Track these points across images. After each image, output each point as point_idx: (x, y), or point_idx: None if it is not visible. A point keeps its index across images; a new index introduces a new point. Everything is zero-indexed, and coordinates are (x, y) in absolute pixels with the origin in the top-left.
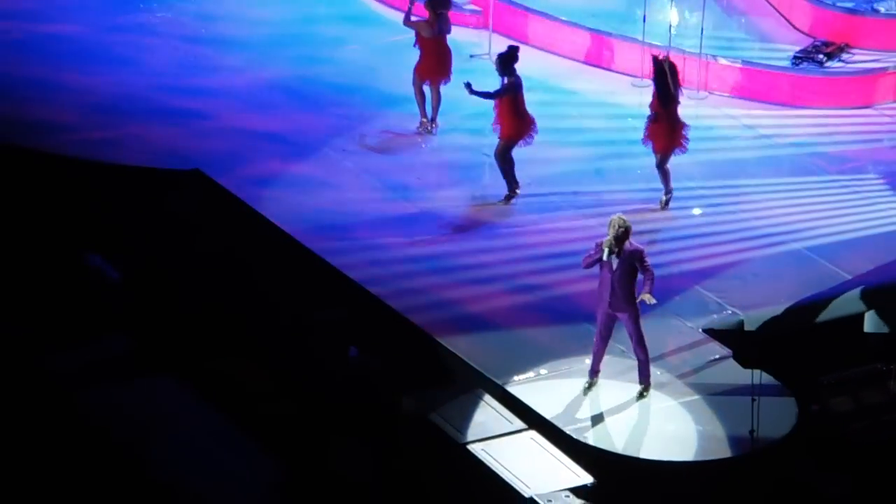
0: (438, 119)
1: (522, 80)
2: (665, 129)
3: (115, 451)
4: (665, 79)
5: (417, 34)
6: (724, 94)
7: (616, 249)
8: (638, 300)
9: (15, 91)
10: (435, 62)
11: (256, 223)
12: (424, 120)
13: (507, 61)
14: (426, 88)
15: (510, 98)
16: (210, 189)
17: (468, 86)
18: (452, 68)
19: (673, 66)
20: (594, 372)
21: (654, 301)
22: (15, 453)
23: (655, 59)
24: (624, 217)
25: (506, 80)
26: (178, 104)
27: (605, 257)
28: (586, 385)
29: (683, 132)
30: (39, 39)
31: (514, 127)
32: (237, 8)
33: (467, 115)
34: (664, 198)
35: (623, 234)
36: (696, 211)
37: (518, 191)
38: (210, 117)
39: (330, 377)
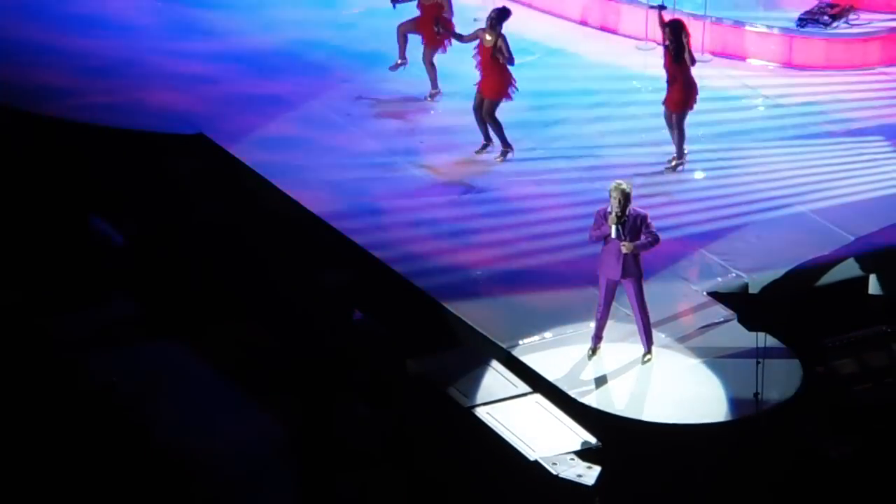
0: (441, 85)
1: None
2: (680, 88)
3: (119, 414)
4: (679, 39)
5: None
6: (728, 56)
7: (624, 221)
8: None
9: (17, 55)
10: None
11: (261, 187)
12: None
13: (503, 18)
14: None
15: (492, 56)
16: (214, 153)
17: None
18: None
19: (683, 26)
20: (597, 337)
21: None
22: (20, 417)
23: (668, 21)
24: (623, 183)
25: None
26: (182, 68)
27: (613, 235)
28: (590, 350)
29: (696, 92)
30: (41, 2)
31: (502, 84)
32: None
33: (470, 78)
34: (674, 162)
35: (626, 202)
36: (699, 174)
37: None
38: (214, 81)
39: (335, 340)
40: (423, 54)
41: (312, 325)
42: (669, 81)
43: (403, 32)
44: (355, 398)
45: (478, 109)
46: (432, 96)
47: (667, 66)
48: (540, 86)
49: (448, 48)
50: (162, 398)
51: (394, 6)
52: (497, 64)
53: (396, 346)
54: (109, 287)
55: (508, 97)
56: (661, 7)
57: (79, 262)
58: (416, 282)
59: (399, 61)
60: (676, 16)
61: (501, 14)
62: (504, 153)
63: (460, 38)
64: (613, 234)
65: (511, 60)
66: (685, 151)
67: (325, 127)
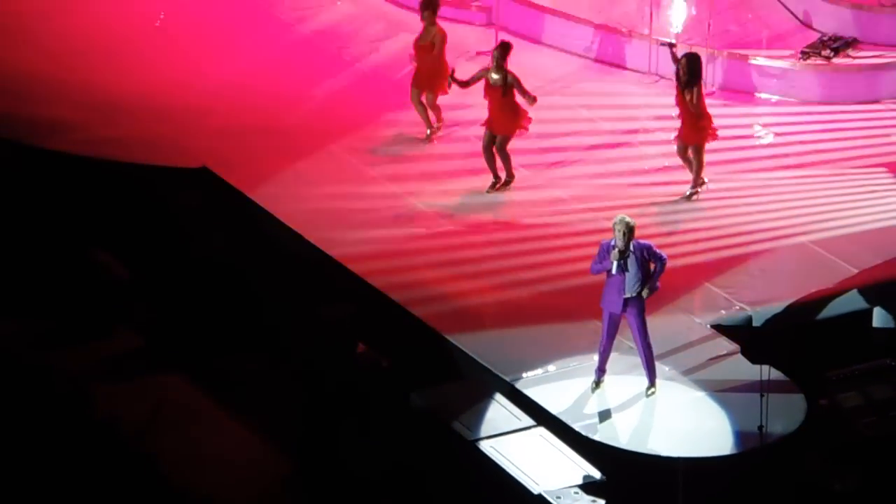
0: (444, 116)
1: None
2: (688, 119)
3: (123, 447)
4: (693, 72)
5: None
6: (730, 89)
7: (626, 256)
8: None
9: (22, 89)
10: (430, 73)
11: (264, 220)
12: (429, 130)
13: (505, 54)
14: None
15: (506, 92)
16: (218, 186)
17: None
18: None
19: (698, 59)
20: (601, 370)
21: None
22: (25, 450)
23: (683, 55)
24: (627, 218)
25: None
26: (186, 102)
27: (614, 270)
28: (594, 383)
29: (711, 124)
30: (46, 36)
31: (512, 121)
32: (246, 6)
33: (473, 112)
34: (689, 190)
35: (630, 236)
36: (701, 205)
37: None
38: (217, 115)
39: (338, 373)
40: (427, 97)
41: (316, 358)
42: (682, 115)
43: (417, 100)
44: (359, 431)
45: (487, 148)
46: (431, 135)
47: (678, 101)
48: (544, 117)
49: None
50: (166, 431)
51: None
52: (509, 101)
53: (399, 378)
54: (113, 320)
55: (524, 130)
56: (672, 45)
57: (83, 295)
58: (419, 314)
59: (429, 132)
60: (686, 49)
61: (504, 50)
62: (507, 182)
63: (466, 84)
64: (614, 270)
65: (533, 98)
66: (699, 181)
67: (327, 160)
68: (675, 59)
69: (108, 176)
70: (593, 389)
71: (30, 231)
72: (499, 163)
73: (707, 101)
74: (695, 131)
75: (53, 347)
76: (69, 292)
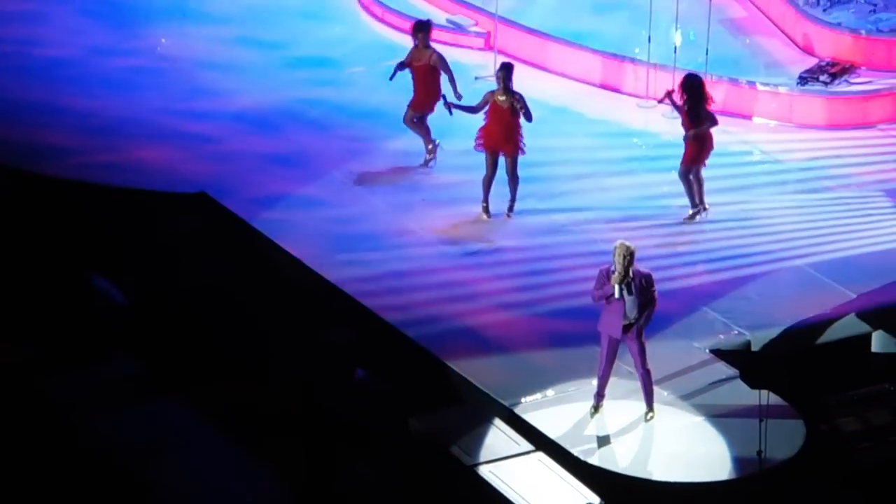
0: (442, 142)
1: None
2: (693, 143)
3: (119, 475)
4: (694, 96)
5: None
6: (729, 114)
7: (627, 282)
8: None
9: (20, 115)
10: (425, 93)
11: (262, 246)
12: (429, 148)
13: (509, 75)
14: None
15: (513, 113)
16: (216, 212)
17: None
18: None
19: (699, 83)
20: (600, 395)
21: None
22: (20, 477)
23: (684, 77)
24: (627, 243)
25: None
26: (184, 127)
27: (616, 295)
28: (592, 408)
29: (709, 147)
30: (44, 63)
31: (516, 142)
32: (242, 31)
33: (470, 137)
34: (691, 211)
35: (630, 261)
36: (701, 229)
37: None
38: (215, 140)
39: (337, 399)
40: (420, 121)
41: (314, 384)
42: (686, 138)
43: (410, 121)
44: (358, 457)
45: (493, 173)
46: (433, 152)
47: (685, 124)
48: (542, 143)
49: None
50: (164, 458)
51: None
52: (515, 121)
53: (398, 403)
54: (110, 346)
55: (523, 152)
56: (669, 92)
57: (80, 321)
58: (417, 339)
59: (429, 150)
60: (676, 74)
61: (507, 71)
62: (510, 208)
63: (473, 109)
64: (617, 294)
65: (529, 117)
66: (698, 201)
67: (327, 185)
68: (676, 106)
69: (106, 201)
70: (592, 414)
71: (26, 256)
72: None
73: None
74: (691, 153)
75: (49, 373)
76: (66, 318)
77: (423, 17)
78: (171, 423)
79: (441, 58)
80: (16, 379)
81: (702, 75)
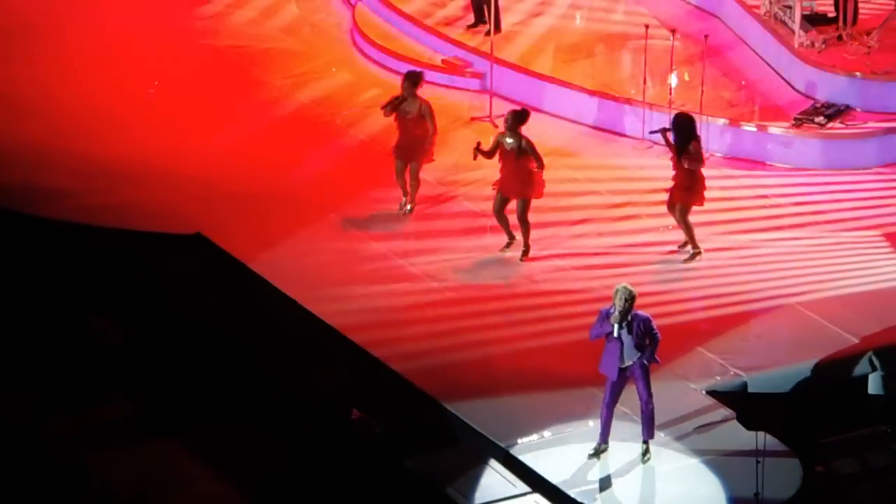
0: (439, 183)
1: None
2: (681, 183)
3: None
4: (683, 135)
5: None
6: (724, 155)
7: (625, 323)
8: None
9: (15, 156)
10: (416, 140)
11: (258, 287)
12: (407, 202)
13: (519, 120)
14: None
15: (520, 156)
16: (212, 253)
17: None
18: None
19: (688, 122)
20: (604, 437)
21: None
22: None
23: (674, 115)
24: (629, 287)
25: (520, 140)
26: (180, 169)
27: (615, 334)
28: (596, 451)
29: (701, 188)
30: (38, 103)
31: (527, 185)
32: (238, 70)
33: (467, 178)
34: (687, 247)
35: (630, 305)
36: (697, 269)
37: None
38: (211, 182)
39: (332, 440)
40: (411, 169)
41: (310, 425)
42: (676, 177)
43: (402, 173)
44: (355, 499)
45: (499, 212)
46: (411, 209)
47: (674, 163)
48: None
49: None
50: (159, 499)
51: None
52: (522, 164)
53: (394, 444)
54: (107, 387)
55: (539, 196)
56: (665, 130)
57: (77, 363)
58: (413, 380)
59: (408, 205)
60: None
61: (517, 116)
62: (525, 253)
63: (488, 154)
64: (615, 333)
65: (541, 164)
66: (694, 243)
67: (323, 227)
68: (669, 144)
69: (102, 243)
70: (591, 456)
71: (24, 298)
72: (512, 220)
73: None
74: (681, 192)
75: (47, 414)
76: (63, 359)
77: (417, 59)
78: (168, 464)
79: (429, 108)
80: (13, 420)
81: (697, 116)
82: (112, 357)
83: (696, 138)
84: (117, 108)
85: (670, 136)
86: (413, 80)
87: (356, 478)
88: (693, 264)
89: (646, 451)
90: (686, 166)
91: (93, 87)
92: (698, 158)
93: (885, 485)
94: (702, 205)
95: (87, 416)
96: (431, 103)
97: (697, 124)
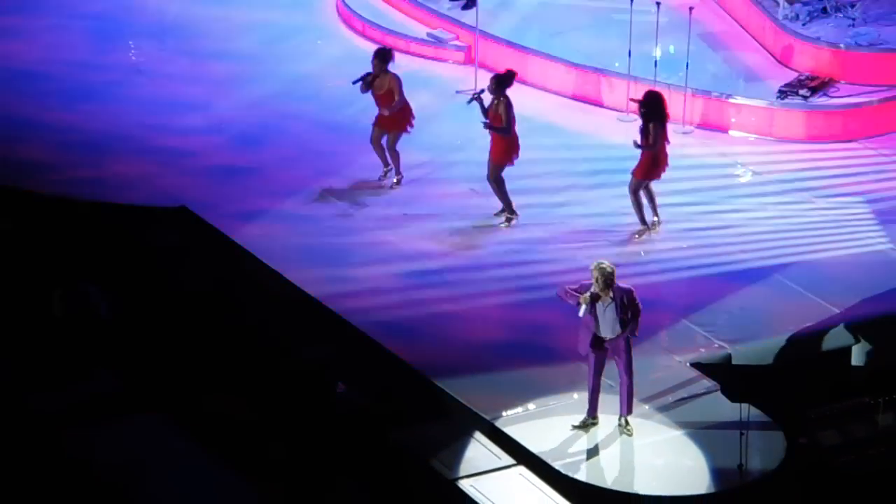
0: (423, 155)
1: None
2: (646, 159)
3: (102, 491)
4: (651, 110)
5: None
6: (708, 128)
7: (596, 300)
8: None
9: (0, 130)
10: (392, 115)
11: (243, 260)
12: (385, 171)
13: (502, 83)
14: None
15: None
16: (196, 226)
17: (485, 124)
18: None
19: (655, 98)
20: (591, 412)
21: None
22: (2, 494)
23: (645, 93)
24: (604, 263)
25: (497, 100)
26: (164, 142)
27: (581, 314)
28: (583, 424)
29: (660, 165)
30: (22, 77)
31: (504, 149)
32: (223, 45)
33: (451, 148)
34: (640, 227)
35: (606, 282)
36: (682, 244)
37: (516, 212)
38: (196, 154)
39: (318, 413)
40: (387, 141)
41: (295, 398)
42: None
43: (377, 140)
44: (339, 471)
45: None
46: (398, 181)
47: (641, 138)
48: (522, 156)
49: (410, 130)
50: (146, 474)
51: (359, 87)
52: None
53: (379, 417)
54: (92, 361)
55: (510, 163)
56: (635, 101)
57: (60, 337)
58: (398, 353)
59: (385, 169)
60: (656, 88)
61: (500, 79)
62: (509, 220)
63: (484, 112)
64: (581, 313)
65: (506, 129)
66: (653, 214)
67: (307, 199)
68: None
69: (87, 216)
70: (576, 428)
71: (6, 272)
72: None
73: (685, 138)
74: (640, 168)
75: (30, 390)
76: (45, 334)
77: (402, 31)
78: (153, 439)
79: (397, 81)
80: None
81: (682, 89)
82: (96, 331)
83: (660, 118)
84: (101, 79)
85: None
86: (382, 57)
87: (341, 452)
88: (676, 241)
89: (626, 425)
90: (636, 145)
91: (76, 59)
92: (649, 141)
93: (868, 456)
94: (658, 178)
95: (69, 392)
96: (400, 76)
97: (683, 98)
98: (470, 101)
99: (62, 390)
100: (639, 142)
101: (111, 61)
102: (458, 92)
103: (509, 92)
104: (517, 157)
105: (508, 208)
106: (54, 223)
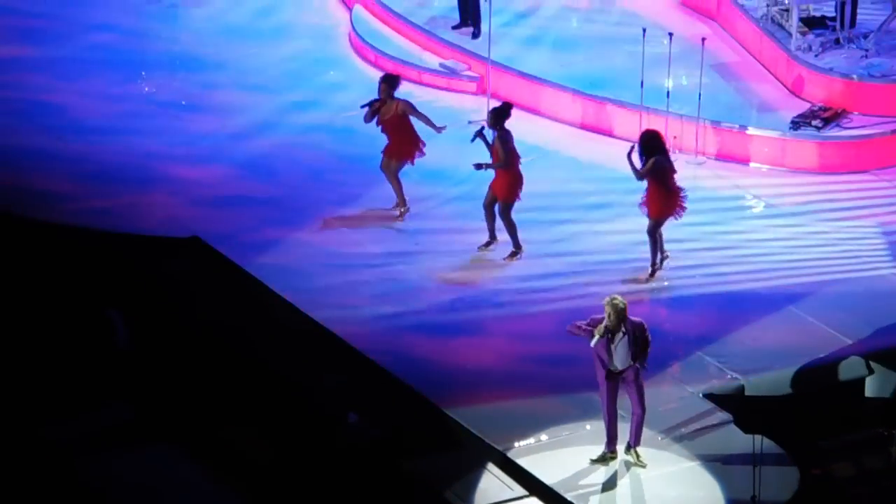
0: (436, 186)
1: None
2: (659, 194)
3: None
4: (649, 147)
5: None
6: (721, 159)
7: (609, 334)
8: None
9: (14, 160)
10: (399, 142)
11: (255, 290)
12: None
13: (499, 116)
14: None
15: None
16: (209, 256)
17: (476, 166)
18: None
19: (653, 138)
20: (610, 443)
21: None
22: None
23: (643, 132)
24: (617, 298)
25: (496, 134)
26: (176, 172)
27: (592, 344)
28: (602, 458)
29: (680, 199)
30: (37, 108)
31: (508, 184)
32: (234, 75)
33: (461, 181)
34: (650, 268)
35: (619, 317)
36: (692, 274)
37: (521, 247)
38: (207, 184)
39: (330, 443)
40: (390, 169)
41: (308, 428)
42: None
43: (387, 168)
44: (351, 501)
45: (488, 207)
46: (402, 214)
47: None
48: (534, 188)
49: (417, 159)
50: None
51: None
52: (506, 163)
53: (392, 448)
54: (106, 391)
55: (518, 198)
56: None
57: (75, 367)
58: (410, 383)
59: (399, 204)
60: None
61: (497, 112)
62: (513, 254)
63: (492, 166)
64: (592, 344)
65: (504, 163)
66: (656, 260)
67: (320, 229)
68: (633, 168)
69: (99, 246)
70: (594, 462)
71: (20, 302)
72: (498, 223)
73: (697, 169)
74: (663, 206)
75: (46, 419)
76: (60, 363)
77: (415, 62)
78: (166, 469)
79: (408, 104)
80: (12, 425)
81: (694, 120)
82: (111, 361)
83: (660, 153)
84: (115, 110)
85: (635, 157)
86: (390, 82)
87: (353, 482)
88: (688, 271)
89: (637, 456)
90: (638, 177)
91: (93, 90)
92: (649, 172)
93: (882, 488)
94: (672, 215)
95: (84, 422)
96: (410, 101)
97: (694, 130)
98: (473, 139)
99: (76, 419)
100: (637, 166)
101: (124, 91)
102: (470, 122)
103: (509, 124)
104: (521, 189)
105: (515, 243)
106: (67, 253)
